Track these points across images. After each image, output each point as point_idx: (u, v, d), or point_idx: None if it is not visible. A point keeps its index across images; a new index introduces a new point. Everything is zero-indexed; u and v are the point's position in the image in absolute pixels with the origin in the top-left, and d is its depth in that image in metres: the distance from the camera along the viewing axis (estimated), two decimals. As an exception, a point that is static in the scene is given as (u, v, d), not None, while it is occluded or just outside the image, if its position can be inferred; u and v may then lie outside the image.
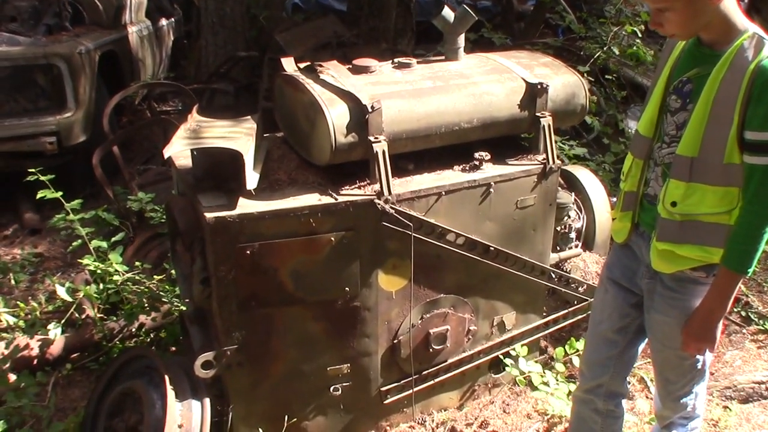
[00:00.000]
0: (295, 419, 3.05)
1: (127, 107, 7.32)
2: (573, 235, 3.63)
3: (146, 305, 3.91)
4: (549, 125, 3.18)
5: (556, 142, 3.26)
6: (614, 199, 4.01)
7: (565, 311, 3.62)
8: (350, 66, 3.18)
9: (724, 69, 2.09)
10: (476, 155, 3.11)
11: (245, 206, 2.68)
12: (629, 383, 3.45)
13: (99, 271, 4.00)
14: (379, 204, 2.82)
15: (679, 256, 2.24)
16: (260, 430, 3.00)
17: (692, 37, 2.24)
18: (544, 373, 3.54)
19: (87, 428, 3.14)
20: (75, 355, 3.78)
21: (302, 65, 3.19)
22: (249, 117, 3.22)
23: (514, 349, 3.50)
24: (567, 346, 3.66)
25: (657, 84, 2.34)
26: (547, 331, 3.63)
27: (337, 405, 3.13)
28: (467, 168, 3.11)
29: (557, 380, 3.53)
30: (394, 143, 2.91)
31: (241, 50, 7.74)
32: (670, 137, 2.28)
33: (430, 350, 3.21)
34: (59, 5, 6.13)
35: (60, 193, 4.12)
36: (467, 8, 3.31)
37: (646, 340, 2.58)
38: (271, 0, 9.10)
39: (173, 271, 3.86)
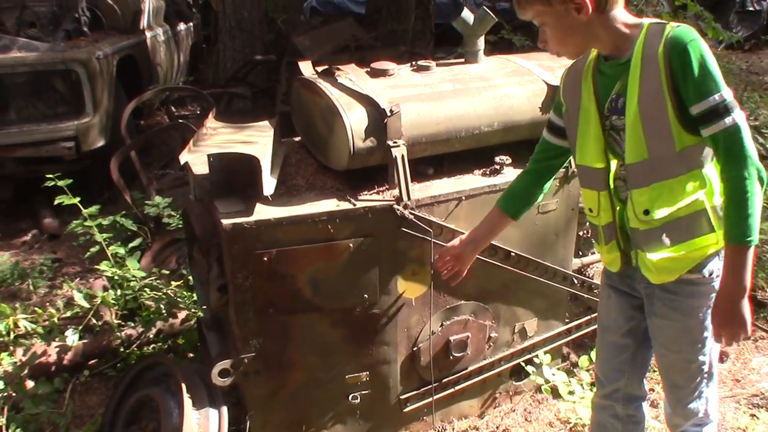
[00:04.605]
0: (313, 428, 3.01)
1: (145, 112, 7.34)
2: (595, 240, 3.57)
3: (164, 311, 3.90)
4: (571, 128, 3.13)
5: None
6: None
7: (588, 317, 3.57)
8: (369, 69, 3.14)
9: (638, 65, 2.06)
10: (497, 159, 3.07)
11: (262, 212, 2.65)
12: (653, 391, 3.40)
13: (116, 277, 4.00)
14: (398, 209, 2.78)
15: (677, 259, 2.19)
16: (278, 438, 2.97)
17: (578, 55, 2.24)
18: (569, 381, 3.48)
19: (104, 436, 3.13)
20: (92, 361, 3.76)
21: (320, 68, 3.16)
22: (266, 121, 3.20)
23: (536, 356, 3.45)
24: (592, 353, 3.60)
25: (583, 118, 2.28)
26: (569, 338, 3.57)
27: (355, 413, 3.09)
28: (488, 172, 3.07)
29: (583, 388, 3.47)
30: (414, 147, 2.87)
31: (258, 54, 7.75)
32: None
33: (451, 358, 3.16)
34: (78, 11, 6.15)
35: (77, 199, 4.12)
36: (487, 10, 3.27)
37: None
38: (288, 3, 9.10)
39: (191, 277, 3.84)
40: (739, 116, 2.00)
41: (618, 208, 2.29)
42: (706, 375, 2.36)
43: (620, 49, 2.14)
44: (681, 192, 2.12)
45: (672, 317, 2.28)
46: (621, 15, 2.13)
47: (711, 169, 2.13)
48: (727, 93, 2.00)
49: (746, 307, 2.10)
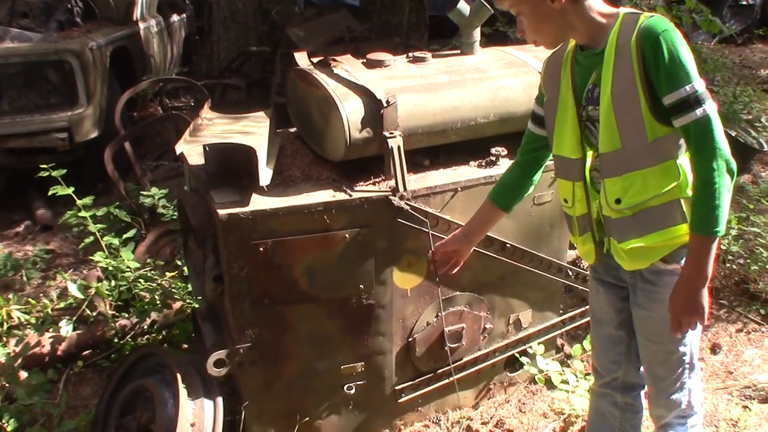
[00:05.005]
0: (308, 418, 3.02)
1: (138, 103, 7.30)
2: (590, 231, 3.57)
3: (158, 302, 3.89)
4: (566, 120, 3.13)
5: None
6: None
7: (582, 309, 3.57)
8: (365, 60, 3.13)
9: (612, 55, 2.08)
10: (493, 150, 3.07)
11: (258, 203, 2.65)
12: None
13: (111, 268, 3.99)
14: (394, 200, 2.77)
15: (648, 249, 2.20)
16: (273, 429, 2.96)
17: (554, 44, 2.26)
18: (563, 371, 3.49)
19: (98, 426, 3.12)
20: (86, 352, 3.77)
21: (316, 60, 3.15)
22: (262, 112, 3.19)
23: (530, 347, 3.45)
24: (585, 342, 3.62)
25: (561, 108, 2.30)
26: (563, 329, 3.58)
27: (350, 404, 3.09)
28: (483, 164, 3.07)
29: (576, 378, 3.48)
30: (410, 138, 2.87)
31: (252, 45, 7.72)
32: None
33: (446, 348, 3.16)
34: (70, 1, 6.12)
35: (71, 190, 4.10)
36: (483, 1, 3.27)
37: None
38: (282, -6, 9.07)
39: (186, 268, 3.84)
40: (710, 107, 2.01)
41: (595, 200, 2.30)
42: (687, 366, 2.37)
43: (595, 39, 2.15)
44: (653, 182, 2.13)
45: (651, 308, 2.30)
46: (596, 4, 2.14)
47: (685, 161, 2.14)
48: (699, 84, 2.01)
49: (705, 295, 2.12)
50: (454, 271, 2.74)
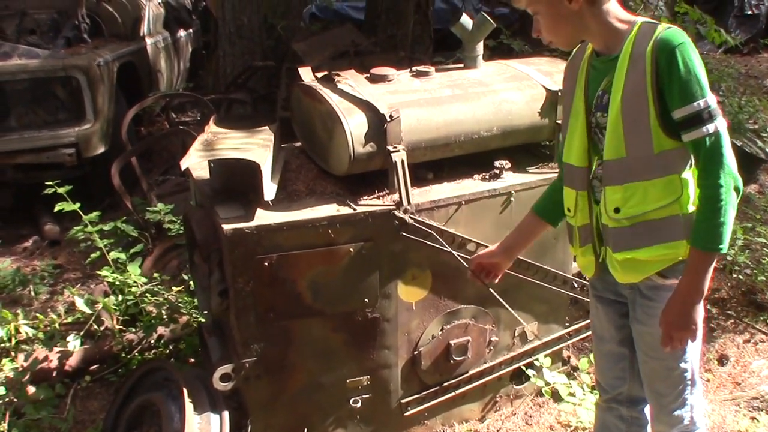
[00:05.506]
0: (314, 432, 3.02)
1: (145, 118, 7.35)
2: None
3: (165, 317, 3.91)
4: (570, 132, 3.14)
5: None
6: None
7: (588, 321, 3.56)
8: (368, 75, 3.15)
9: (626, 63, 2.08)
10: (496, 164, 3.08)
11: (263, 217, 2.66)
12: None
13: (118, 283, 4.00)
14: (398, 214, 2.79)
15: (643, 262, 2.19)
16: (279, 443, 2.97)
17: (570, 45, 2.26)
18: (570, 383, 3.48)
19: (106, 441, 3.13)
20: (94, 366, 3.77)
21: (320, 74, 3.17)
22: (266, 127, 3.21)
23: (536, 360, 3.45)
24: (592, 355, 3.60)
25: (573, 114, 2.29)
26: (569, 341, 3.58)
27: (356, 417, 3.10)
28: (487, 177, 3.08)
29: (584, 391, 3.47)
30: (413, 152, 2.88)
31: (258, 60, 7.74)
32: None
33: (451, 361, 3.16)
34: (78, 18, 6.17)
35: (77, 205, 4.12)
36: (486, 15, 3.28)
37: None
38: (288, 9, 9.11)
39: (192, 282, 3.85)
40: (721, 124, 2.01)
41: (595, 210, 2.29)
42: (688, 382, 2.35)
43: (610, 45, 2.15)
44: (654, 195, 2.12)
45: (649, 323, 2.28)
46: (614, 9, 2.14)
47: (689, 176, 2.13)
48: (711, 99, 2.01)
49: (699, 312, 2.11)
50: (496, 281, 2.73)
